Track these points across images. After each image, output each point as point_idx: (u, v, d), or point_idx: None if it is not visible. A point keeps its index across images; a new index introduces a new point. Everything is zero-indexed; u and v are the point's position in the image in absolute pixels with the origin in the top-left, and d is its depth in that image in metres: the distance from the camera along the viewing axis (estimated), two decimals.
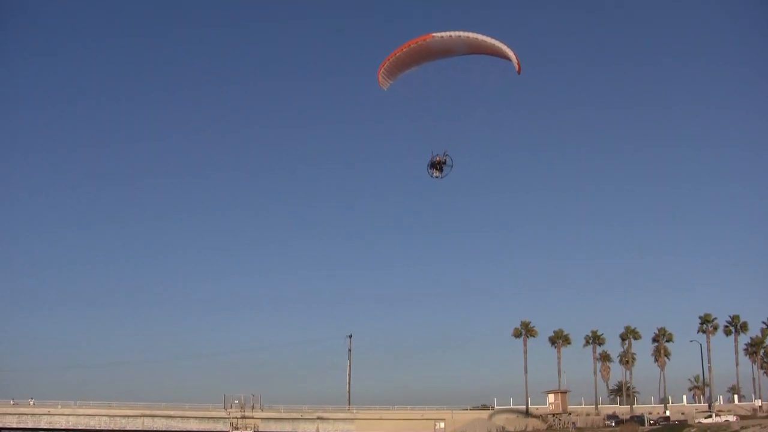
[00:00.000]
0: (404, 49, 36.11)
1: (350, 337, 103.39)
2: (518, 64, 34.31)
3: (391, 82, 38.24)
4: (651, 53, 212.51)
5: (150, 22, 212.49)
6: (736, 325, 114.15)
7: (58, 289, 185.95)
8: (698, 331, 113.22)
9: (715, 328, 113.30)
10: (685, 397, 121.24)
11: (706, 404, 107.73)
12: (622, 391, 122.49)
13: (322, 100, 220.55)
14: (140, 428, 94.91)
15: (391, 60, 36.78)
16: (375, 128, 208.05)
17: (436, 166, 36.79)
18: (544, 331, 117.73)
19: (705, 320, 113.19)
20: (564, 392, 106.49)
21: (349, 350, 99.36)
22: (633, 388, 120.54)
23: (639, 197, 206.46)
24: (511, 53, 34.02)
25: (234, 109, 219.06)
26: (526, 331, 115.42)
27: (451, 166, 36.75)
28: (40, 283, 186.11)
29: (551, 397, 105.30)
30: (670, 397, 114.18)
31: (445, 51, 36.01)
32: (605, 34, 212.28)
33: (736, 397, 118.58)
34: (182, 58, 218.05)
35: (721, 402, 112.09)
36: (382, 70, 37.35)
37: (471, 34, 34.24)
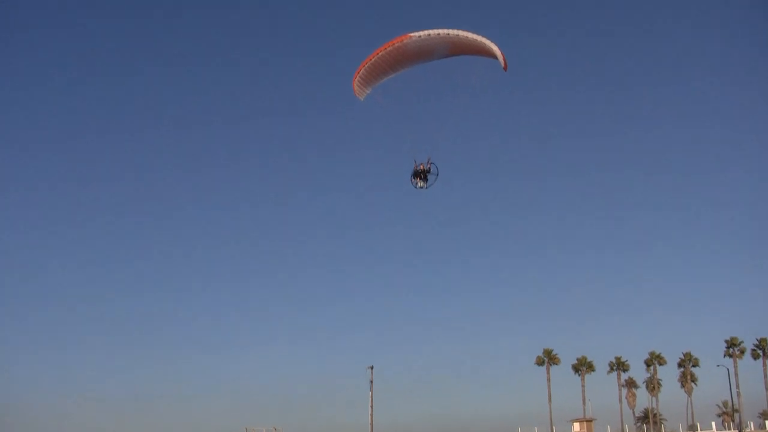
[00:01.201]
0: (380, 54, 32.74)
1: (371, 368, 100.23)
2: (504, 60, 30.75)
3: (368, 91, 34.85)
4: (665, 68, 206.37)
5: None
6: (763, 348, 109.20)
7: (77, 324, 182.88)
8: (725, 355, 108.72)
9: (742, 352, 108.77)
10: (714, 423, 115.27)
11: (736, 430, 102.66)
12: (648, 419, 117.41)
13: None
14: None
15: (366, 66, 33.41)
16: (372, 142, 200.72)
17: (420, 175, 33.39)
18: (567, 358, 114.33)
19: (731, 344, 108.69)
20: (590, 421, 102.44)
21: (371, 381, 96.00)
22: (660, 415, 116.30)
23: (661, 219, 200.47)
24: (495, 48, 30.52)
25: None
26: (548, 358, 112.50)
27: (437, 175, 33.39)
28: (54, 319, 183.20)
29: (576, 426, 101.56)
30: (698, 424, 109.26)
31: (425, 53, 32.61)
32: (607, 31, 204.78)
33: (767, 422, 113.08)
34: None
35: (752, 428, 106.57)
36: (358, 77, 33.96)
37: (451, 31, 30.83)
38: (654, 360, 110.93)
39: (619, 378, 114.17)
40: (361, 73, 33.72)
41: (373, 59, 32.93)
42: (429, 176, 33.62)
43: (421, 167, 33.47)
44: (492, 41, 30.54)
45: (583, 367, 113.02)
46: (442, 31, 30.95)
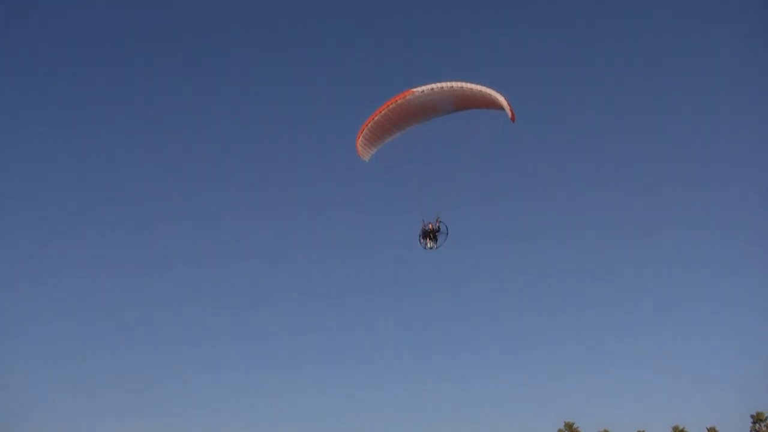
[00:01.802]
0: (383, 112, 31.93)
1: None
2: (512, 111, 29.88)
3: (372, 151, 33.90)
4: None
5: None
6: None
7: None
8: (751, 431, 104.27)
9: None
10: None
11: None
12: None
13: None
14: None
15: (369, 125, 32.54)
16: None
17: (429, 235, 32.04)
18: (589, 431, 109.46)
19: (758, 419, 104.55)
20: None
21: None
22: None
23: (687, 290, 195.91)
24: (502, 99, 29.67)
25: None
26: (569, 431, 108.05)
27: (447, 234, 32.06)
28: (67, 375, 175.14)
29: None
30: None
31: (430, 109, 31.83)
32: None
33: None
34: None
35: None
36: (361, 138, 33.04)
37: (455, 84, 30.08)
38: None
39: None
40: (364, 133, 32.83)
41: (376, 118, 32.06)
42: (439, 236, 32.31)
43: (430, 227, 32.19)
44: (498, 92, 29.72)
45: None
46: (446, 84, 30.21)
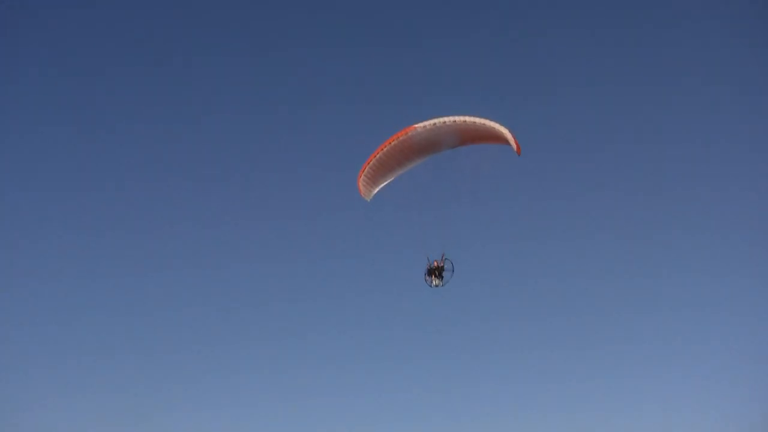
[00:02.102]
0: (385, 149, 31.06)
1: None
2: (517, 144, 28.83)
3: (374, 190, 32.98)
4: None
5: None
6: None
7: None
8: None
9: None
10: None
11: None
12: None
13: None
14: None
15: (371, 164, 31.66)
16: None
17: (434, 272, 31.13)
18: None
19: None
20: None
21: None
22: None
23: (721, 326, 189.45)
24: (506, 132, 28.66)
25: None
26: None
27: (452, 271, 31.07)
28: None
29: None
30: None
31: (433, 145, 30.95)
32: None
33: None
34: None
35: None
36: (363, 176, 32.15)
37: (458, 118, 29.14)
38: None
39: None
40: (366, 171, 31.96)
41: (378, 155, 31.20)
42: (444, 273, 31.33)
43: (435, 264, 31.22)
44: (503, 125, 28.73)
45: None
46: (449, 119, 29.30)
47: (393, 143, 30.68)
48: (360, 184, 32.38)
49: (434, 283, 31.37)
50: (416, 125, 29.99)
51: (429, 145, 30.84)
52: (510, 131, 28.54)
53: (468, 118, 29.04)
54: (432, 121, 29.69)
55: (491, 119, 28.74)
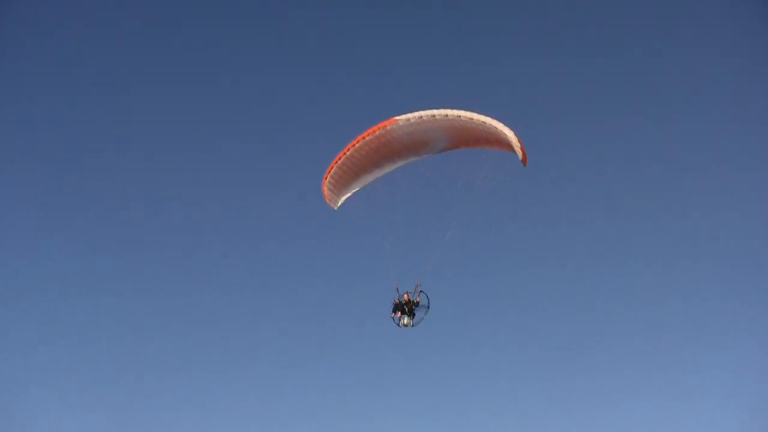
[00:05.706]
0: (357, 145, 24.22)
1: None
2: (523, 152, 21.93)
3: (343, 197, 26.15)
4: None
5: None
6: None
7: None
8: None
9: None
10: None
11: None
12: None
13: None
14: None
15: (339, 162, 24.79)
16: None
17: (404, 308, 23.91)
18: None
19: None
20: None
21: None
22: None
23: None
24: (511, 135, 21.78)
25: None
26: None
27: (428, 307, 23.92)
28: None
29: None
30: None
31: (418, 144, 24.12)
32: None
33: None
34: None
35: None
36: (328, 177, 25.25)
37: (451, 112, 22.33)
38: None
39: None
40: (332, 171, 25.05)
41: (348, 152, 24.38)
42: (417, 310, 24.05)
43: (405, 298, 24.04)
44: (507, 125, 21.87)
45: None
46: (439, 112, 22.43)
47: (367, 138, 23.87)
48: (324, 187, 25.58)
49: (403, 321, 24.06)
50: (398, 117, 23.20)
51: (413, 144, 24.04)
52: (515, 134, 21.65)
53: (463, 113, 22.19)
54: (417, 113, 22.89)
55: (493, 117, 21.89)
